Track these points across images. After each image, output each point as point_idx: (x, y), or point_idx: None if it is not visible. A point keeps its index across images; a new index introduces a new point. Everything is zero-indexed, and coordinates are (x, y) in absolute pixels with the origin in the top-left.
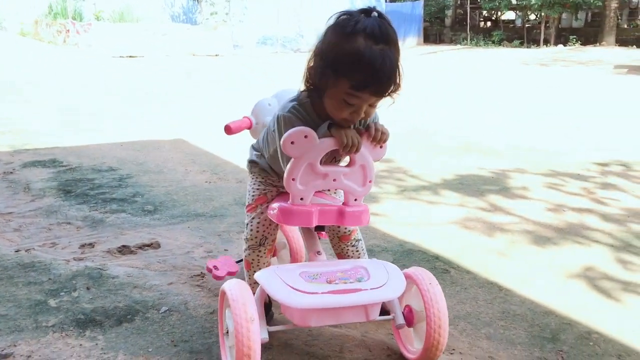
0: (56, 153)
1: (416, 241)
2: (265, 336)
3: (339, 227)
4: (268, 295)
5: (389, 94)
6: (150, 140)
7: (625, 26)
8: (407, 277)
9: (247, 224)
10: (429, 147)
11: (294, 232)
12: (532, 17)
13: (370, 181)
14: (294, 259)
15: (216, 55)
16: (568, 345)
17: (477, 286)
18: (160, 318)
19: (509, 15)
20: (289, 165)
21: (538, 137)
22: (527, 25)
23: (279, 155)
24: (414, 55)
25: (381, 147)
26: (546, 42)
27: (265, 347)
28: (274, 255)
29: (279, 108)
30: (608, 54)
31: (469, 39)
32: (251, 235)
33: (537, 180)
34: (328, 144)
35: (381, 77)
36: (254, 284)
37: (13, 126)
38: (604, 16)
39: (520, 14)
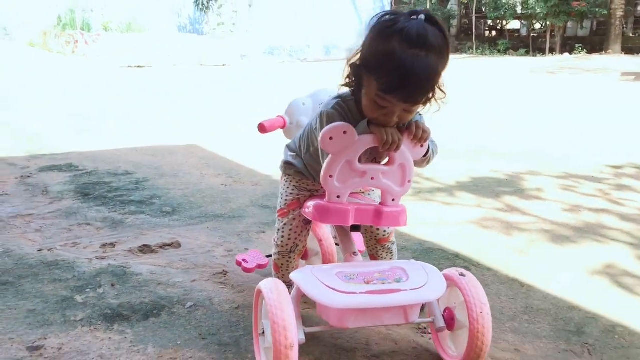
0: (71, 158)
1: (435, 240)
2: (302, 337)
3: (377, 228)
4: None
5: (424, 102)
6: (164, 145)
7: (631, 34)
8: (447, 278)
9: (278, 230)
10: (440, 151)
11: (327, 236)
12: (538, 26)
13: (409, 181)
14: (326, 263)
15: (223, 65)
16: (593, 339)
17: (498, 283)
18: (186, 313)
19: (514, 24)
20: (326, 162)
21: (549, 141)
22: (532, 35)
23: (320, 154)
24: None
25: (422, 146)
26: (552, 50)
27: None
28: (303, 259)
29: (322, 104)
30: (614, 62)
31: (474, 48)
32: (282, 242)
33: (551, 182)
34: (367, 141)
35: (408, 84)
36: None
37: (27, 132)
38: (609, 25)
39: (525, 23)
